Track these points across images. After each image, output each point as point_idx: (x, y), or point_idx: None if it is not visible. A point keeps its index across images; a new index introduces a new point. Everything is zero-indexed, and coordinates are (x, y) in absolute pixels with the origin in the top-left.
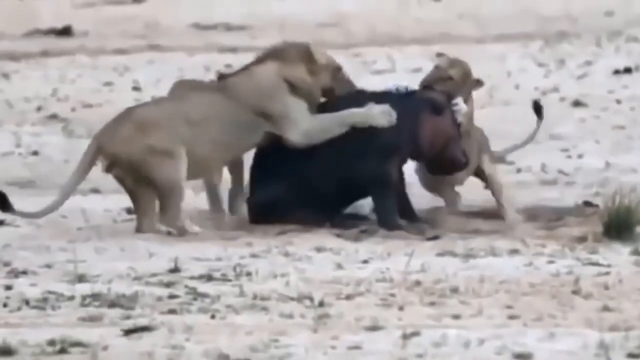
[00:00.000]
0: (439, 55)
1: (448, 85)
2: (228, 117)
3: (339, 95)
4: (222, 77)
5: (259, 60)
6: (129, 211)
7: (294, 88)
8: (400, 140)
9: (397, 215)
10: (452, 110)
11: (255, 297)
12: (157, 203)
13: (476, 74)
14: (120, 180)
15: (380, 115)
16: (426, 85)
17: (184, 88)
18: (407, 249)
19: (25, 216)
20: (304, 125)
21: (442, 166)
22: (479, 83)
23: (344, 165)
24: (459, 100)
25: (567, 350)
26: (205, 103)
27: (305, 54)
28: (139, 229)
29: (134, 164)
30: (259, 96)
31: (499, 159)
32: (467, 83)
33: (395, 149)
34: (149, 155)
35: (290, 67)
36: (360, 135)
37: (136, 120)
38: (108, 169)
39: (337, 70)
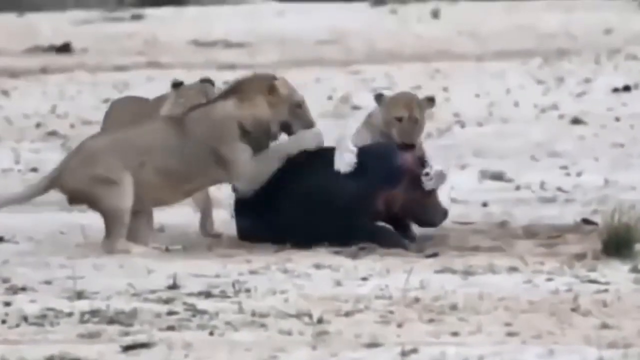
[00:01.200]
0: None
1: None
2: (177, 151)
3: (296, 132)
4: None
5: (222, 96)
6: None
7: (245, 131)
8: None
9: (395, 234)
10: (411, 179)
11: (254, 313)
12: (152, 224)
13: (476, 90)
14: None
15: (310, 138)
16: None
17: (122, 107)
18: (406, 266)
19: None
20: (247, 173)
21: (421, 224)
22: (431, 103)
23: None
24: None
25: None
26: (156, 132)
27: (266, 87)
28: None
29: (82, 195)
30: (211, 136)
31: None
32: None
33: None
34: (94, 186)
35: (249, 102)
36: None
37: (84, 152)
38: (71, 202)
39: (297, 105)
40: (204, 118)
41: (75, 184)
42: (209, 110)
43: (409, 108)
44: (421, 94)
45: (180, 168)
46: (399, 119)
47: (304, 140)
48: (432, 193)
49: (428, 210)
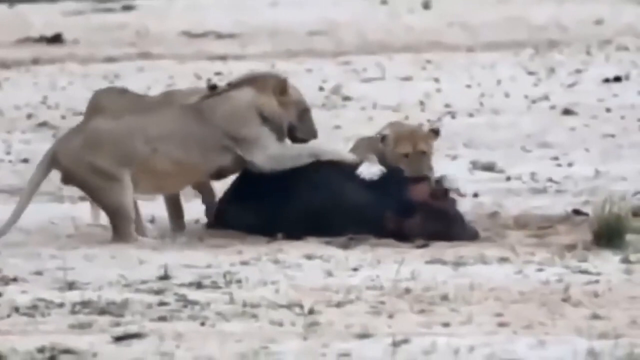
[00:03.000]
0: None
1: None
2: (193, 138)
3: (300, 137)
4: (213, 87)
5: (235, 86)
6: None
7: (264, 118)
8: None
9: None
10: (426, 213)
11: (245, 304)
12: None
13: (467, 81)
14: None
15: (346, 153)
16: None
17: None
18: (397, 257)
19: None
20: (271, 151)
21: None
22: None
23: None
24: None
25: (556, 357)
26: (171, 119)
27: (279, 86)
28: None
29: (77, 179)
30: (231, 120)
31: None
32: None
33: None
34: (91, 174)
35: (264, 96)
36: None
37: (89, 134)
38: (64, 181)
39: (305, 111)
40: (224, 104)
41: (73, 166)
42: (229, 97)
43: (414, 142)
44: (412, 86)
45: (193, 155)
46: (406, 155)
47: (339, 152)
48: (454, 220)
49: (455, 236)
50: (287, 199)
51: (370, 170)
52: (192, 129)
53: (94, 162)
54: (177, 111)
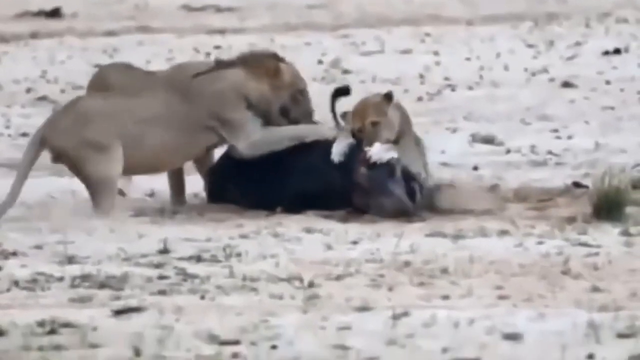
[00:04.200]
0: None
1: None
2: (179, 119)
3: (294, 118)
4: (220, 63)
5: (229, 64)
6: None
7: (250, 103)
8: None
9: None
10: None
11: (244, 278)
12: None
13: (466, 54)
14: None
15: (327, 131)
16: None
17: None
18: (397, 230)
19: None
20: (253, 137)
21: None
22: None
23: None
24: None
25: (556, 330)
26: (156, 102)
27: (272, 69)
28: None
29: (67, 156)
30: (217, 101)
31: None
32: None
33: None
34: (82, 149)
35: (254, 77)
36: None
37: (78, 111)
38: (54, 160)
39: (299, 92)
40: (211, 84)
41: (62, 143)
42: (217, 77)
43: (363, 116)
44: (412, 59)
45: (181, 135)
46: (360, 130)
47: (321, 131)
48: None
49: (375, 201)
50: (272, 173)
51: (339, 149)
52: (179, 108)
53: (85, 135)
54: (164, 93)
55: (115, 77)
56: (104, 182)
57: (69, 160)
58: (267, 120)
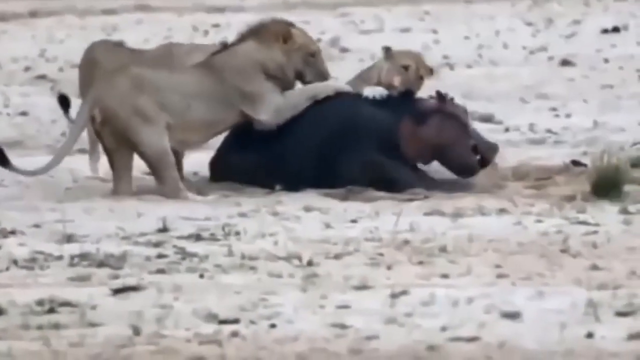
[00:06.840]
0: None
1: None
2: (213, 96)
3: (310, 81)
4: (225, 46)
5: (241, 39)
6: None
7: (267, 70)
8: (380, 134)
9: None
10: (440, 118)
11: (243, 256)
12: (132, 166)
13: (465, 33)
14: (100, 138)
15: (341, 86)
16: (407, 90)
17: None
18: (396, 209)
19: (22, 173)
20: (274, 104)
21: (455, 171)
22: (431, 72)
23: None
24: None
25: (555, 309)
26: (196, 79)
27: (282, 34)
28: (115, 192)
29: (120, 122)
30: (236, 75)
31: None
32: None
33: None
34: (134, 116)
35: (266, 47)
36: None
37: (133, 76)
38: (103, 123)
39: (312, 54)
40: (228, 61)
41: (117, 106)
42: (231, 53)
43: (416, 59)
44: (411, 37)
45: (214, 111)
46: (406, 67)
47: (334, 86)
48: (464, 136)
49: (460, 154)
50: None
51: (375, 91)
52: (210, 87)
53: (138, 102)
54: (198, 72)
55: (101, 54)
56: (159, 156)
57: (118, 125)
58: (284, 87)
